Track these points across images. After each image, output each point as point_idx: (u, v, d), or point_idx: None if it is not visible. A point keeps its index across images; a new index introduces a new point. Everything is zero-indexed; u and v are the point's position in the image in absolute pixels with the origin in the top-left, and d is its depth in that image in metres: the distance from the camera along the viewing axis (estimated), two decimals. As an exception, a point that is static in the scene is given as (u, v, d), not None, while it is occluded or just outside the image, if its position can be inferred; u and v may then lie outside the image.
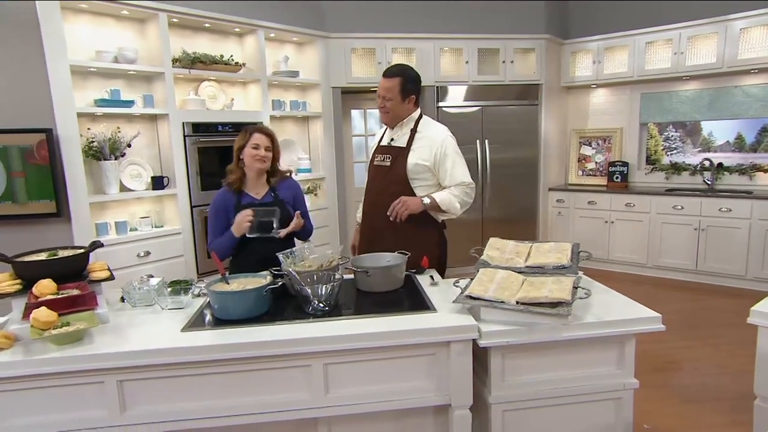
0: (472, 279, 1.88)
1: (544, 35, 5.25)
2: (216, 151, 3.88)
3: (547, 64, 5.33)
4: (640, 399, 2.35)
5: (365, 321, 1.73)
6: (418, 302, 1.90)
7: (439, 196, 2.34)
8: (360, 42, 4.84)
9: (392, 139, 2.47)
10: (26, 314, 1.63)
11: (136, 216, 3.60)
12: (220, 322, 1.76)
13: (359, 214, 2.70)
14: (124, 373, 1.56)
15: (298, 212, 2.34)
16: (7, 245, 2.10)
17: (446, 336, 1.66)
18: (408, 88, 2.37)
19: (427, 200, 2.32)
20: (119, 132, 3.40)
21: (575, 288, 1.74)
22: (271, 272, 1.95)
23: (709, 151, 5.46)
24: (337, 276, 1.90)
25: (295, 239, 2.45)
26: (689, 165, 5.34)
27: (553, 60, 5.49)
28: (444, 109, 5.16)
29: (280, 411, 1.64)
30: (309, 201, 4.28)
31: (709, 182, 5.13)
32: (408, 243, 2.21)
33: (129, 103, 3.46)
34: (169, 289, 1.99)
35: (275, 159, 2.36)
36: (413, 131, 2.41)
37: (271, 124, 4.33)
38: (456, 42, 5.07)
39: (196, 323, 1.76)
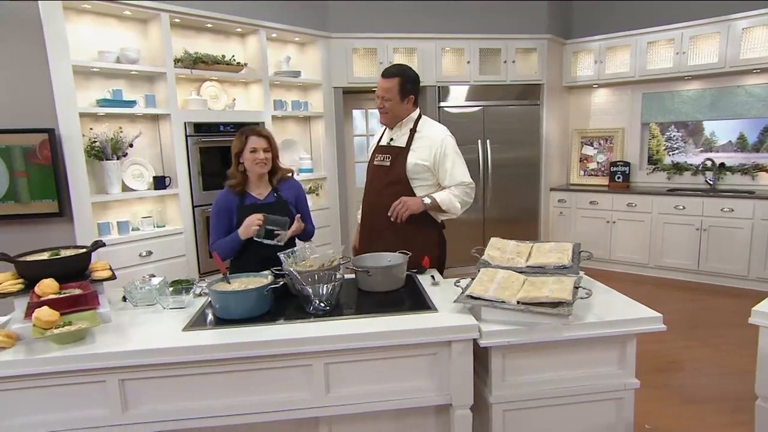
0: (472, 279, 1.88)
1: (545, 35, 5.25)
2: (218, 151, 3.89)
3: (548, 64, 5.32)
4: (642, 399, 2.35)
5: (366, 321, 1.73)
6: (419, 302, 1.90)
7: (440, 196, 2.34)
8: (361, 42, 4.84)
9: (391, 139, 2.47)
10: (28, 313, 1.64)
11: (138, 216, 3.61)
12: (221, 321, 1.77)
13: (360, 215, 2.70)
14: (126, 372, 1.57)
15: (298, 216, 2.34)
16: (9, 245, 2.11)
17: (447, 336, 1.66)
18: (407, 88, 2.37)
19: (427, 200, 2.32)
20: (121, 132, 3.41)
21: (576, 288, 1.74)
22: (272, 272, 1.96)
23: (711, 151, 5.45)
24: (338, 276, 1.90)
25: (297, 239, 2.45)
26: (691, 165, 5.33)
27: (555, 60, 5.49)
28: (445, 109, 5.16)
29: (281, 410, 1.64)
30: (311, 201, 4.28)
31: (711, 182, 5.12)
32: (407, 243, 2.21)
33: (131, 103, 3.47)
34: (171, 289, 1.99)
35: (274, 158, 2.36)
36: (412, 131, 2.41)
37: (273, 124, 4.34)
38: (457, 42, 5.07)
39: (197, 323, 1.77)
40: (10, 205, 3.00)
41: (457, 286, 1.90)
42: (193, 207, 3.79)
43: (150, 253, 3.50)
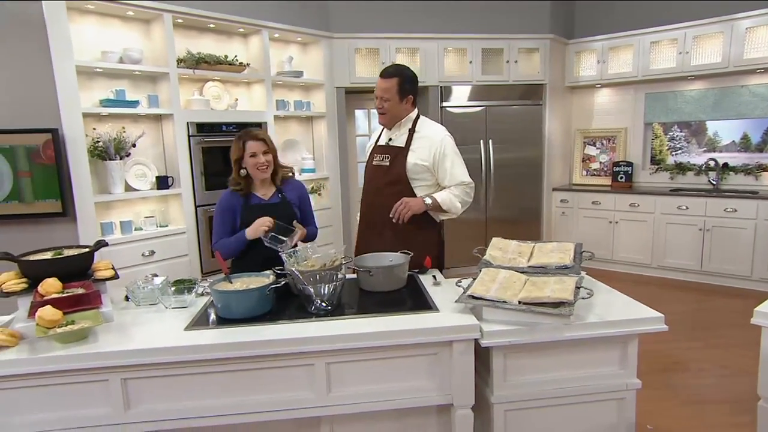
0: (474, 279, 1.88)
1: (548, 35, 5.24)
2: (220, 151, 3.89)
3: (551, 64, 5.32)
4: (644, 399, 2.34)
5: (368, 320, 1.74)
6: (421, 302, 1.90)
7: (440, 197, 2.34)
8: (364, 42, 4.85)
9: (390, 139, 2.46)
10: (32, 313, 1.65)
11: (141, 215, 3.62)
12: (223, 321, 1.77)
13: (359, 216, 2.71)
14: (128, 371, 1.57)
15: (303, 231, 2.31)
16: (13, 244, 2.12)
17: (448, 336, 1.66)
18: (405, 89, 2.37)
19: (428, 200, 2.32)
20: (124, 132, 3.42)
21: (578, 288, 1.73)
22: (274, 271, 1.96)
23: (714, 151, 5.44)
24: (340, 275, 1.90)
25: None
26: (694, 165, 5.31)
27: (558, 60, 5.48)
28: (448, 109, 5.16)
29: (283, 410, 1.65)
30: (313, 201, 4.28)
31: (714, 182, 5.10)
32: (407, 243, 2.21)
33: (134, 104, 3.48)
34: (173, 288, 2.00)
35: (274, 158, 2.36)
36: (411, 131, 2.41)
37: (275, 124, 4.35)
38: (460, 42, 5.06)
39: (199, 322, 1.77)
40: (14, 205, 3.01)
41: (459, 286, 1.91)
42: (196, 207, 3.80)
43: (152, 252, 3.51)
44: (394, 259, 2.13)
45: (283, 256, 1.98)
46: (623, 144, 5.69)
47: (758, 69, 4.59)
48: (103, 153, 3.33)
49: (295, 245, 2.14)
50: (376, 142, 2.56)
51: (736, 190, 4.90)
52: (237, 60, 4.07)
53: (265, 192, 2.39)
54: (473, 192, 2.44)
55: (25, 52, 2.98)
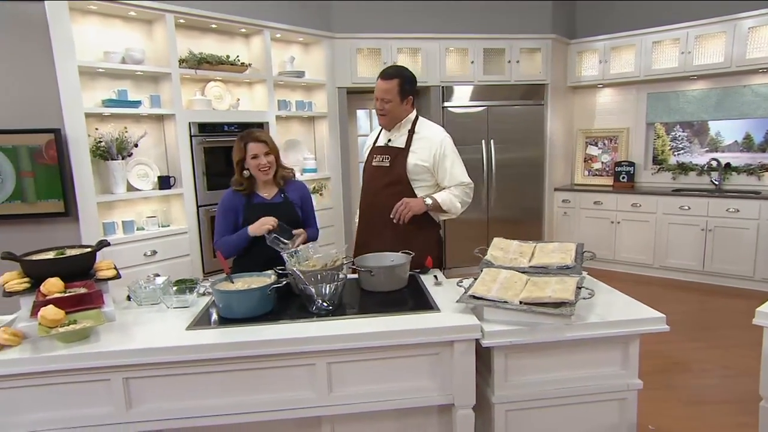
0: (475, 279, 1.88)
1: (550, 35, 5.24)
2: (222, 151, 3.90)
3: (553, 64, 5.31)
4: (646, 400, 2.34)
5: (369, 320, 1.74)
6: (422, 302, 1.90)
7: (441, 197, 2.35)
8: (365, 42, 4.85)
9: (389, 140, 2.46)
10: (34, 312, 1.66)
11: (143, 215, 3.63)
12: (224, 320, 1.78)
13: (357, 217, 2.71)
14: (130, 370, 1.58)
15: (302, 231, 2.31)
16: (16, 244, 2.12)
17: (449, 336, 1.66)
18: (406, 89, 2.37)
19: (429, 201, 2.33)
20: (126, 132, 3.43)
21: (579, 288, 1.73)
22: (275, 271, 1.96)
23: (716, 151, 5.43)
24: (341, 275, 1.91)
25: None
26: (696, 165, 5.30)
27: (559, 60, 5.47)
28: (449, 109, 5.16)
29: (284, 410, 1.65)
30: (314, 201, 4.28)
31: (716, 182, 5.09)
32: (406, 243, 2.22)
33: (136, 104, 3.49)
34: (175, 288, 2.00)
35: (276, 159, 2.37)
36: (411, 132, 2.41)
37: (277, 124, 4.35)
38: (461, 42, 5.06)
39: (200, 322, 1.78)
40: (17, 205, 3.02)
41: (460, 286, 1.91)
42: (198, 207, 3.81)
43: (154, 252, 3.52)
44: (396, 259, 2.13)
45: (285, 256, 1.98)
46: (625, 144, 5.68)
47: (761, 69, 4.58)
48: (105, 153, 3.34)
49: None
50: (374, 142, 2.55)
51: (739, 190, 4.89)
52: (239, 60, 4.07)
53: (267, 192, 2.39)
54: (472, 192, 2.45)
55: (28, 52, 2.99)
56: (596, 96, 5.85)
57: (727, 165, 5.09)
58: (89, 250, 1.92)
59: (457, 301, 1.77)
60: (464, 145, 5.12)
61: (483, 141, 5.24)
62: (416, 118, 2.46)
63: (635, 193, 5.25)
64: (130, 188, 3.54)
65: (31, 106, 3.02)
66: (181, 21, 3.69)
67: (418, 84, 5.28)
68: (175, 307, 1.93)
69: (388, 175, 2.40)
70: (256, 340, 1.61)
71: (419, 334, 1.65)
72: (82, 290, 1.77)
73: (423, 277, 2.21)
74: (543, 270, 1.94)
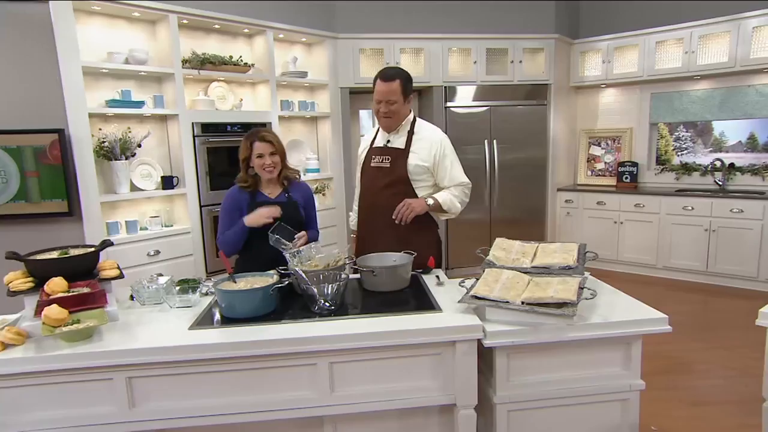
0: (477, 279, 1.88)
1: (553, 35, 5.23)
2: (225, 151, 3.91)
3: (556, 64, 5.30)
4: (649, 401, 2.33)
5: (371, 320, 1.74)
6: (424, 302, 1.90)
7: (441, 197, 2.36)
8: (368, 42, 4.85)
9: (388, 141, 2.46)
10: (38, 311, 1.67)
11: (146, 215, 3.64)
12: (227, 320, 1.78)
13: (353, 221, 2.71)
14: (133, 370, 1.58)
15: (303, 233, 2.30)
16: (20, 243, 2.13)
17: (451, 336, 1.66)
18: (407, 88, 2.38)
19: (430, 201, 2.35)
20: (130, 132, 3.44)
21: (581, 288, 1.73)
22: (278, 271, 1.97)
23: (720, 152, 5.41)
24: (344, 275, 1.91)
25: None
26: (700, 165, 5.28)
27: (562, 60, 5.46)
28: (452, 109, 5.16)
29: (286, 409, 1.65)
30: (317, 201, 4.29)
31: (720, 183, 5.07)
32: (406, 243, 2.22)
33: (139, 104, 3.51)
34: (178, 288, 2.01)
35: (282, 159, 2.37)
36: (410, 133, 2.41)
37: (280, 124, 4.36)
38: (464, 42, 5.06)
39: (203, 321, 1.78)
40: (21, 205, 3.04)
41: (462, 286, 1.91)
42: (201, 207, 3.82)
43: (158, 252, 3.53)
44: (398, 259, 2.13)
45: (287, 256, 1.99)
46: (628, 144, 5.67)
47: (765, 68, 4.56)
48: (108, 153, 3.35)
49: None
50: (371, 144, 2.54)
51: (743, 190, 4.87)
52: (242, 60, 4.08)
53: (271, 191, 2.40)
54: (470, 192, 2.47)
55: (32, 52, 3.01)
56: (599, 96, 5.84)
57: (731, 165, 5.07)
58: (93, 249, 1.93)
59: (459, 302, 1.77)
60: (467, 146, 5.17)
61: (486, 141, 5.23)
62: (414, 119, 2.46)
63: (638, 194, 5.24)
64: (134, 188, 3.56)
65: (36, 106, 3.03)
66: (185, 21, 3.70)
67: (421, 84, 5.32)
68: (177, 307, 1.94)
69: (388, 176, 2.40)
70: (258, 339, 1.61)
71: (421, 335, 1.65)
72: (86, 290, 1.77)
73: (425, 277, 2.22)
74: (545, 270, 1.94)
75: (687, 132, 5.61)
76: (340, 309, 1.84)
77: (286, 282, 1.87)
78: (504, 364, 1.70)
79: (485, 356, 1.74)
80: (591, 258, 2.06)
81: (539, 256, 2.05)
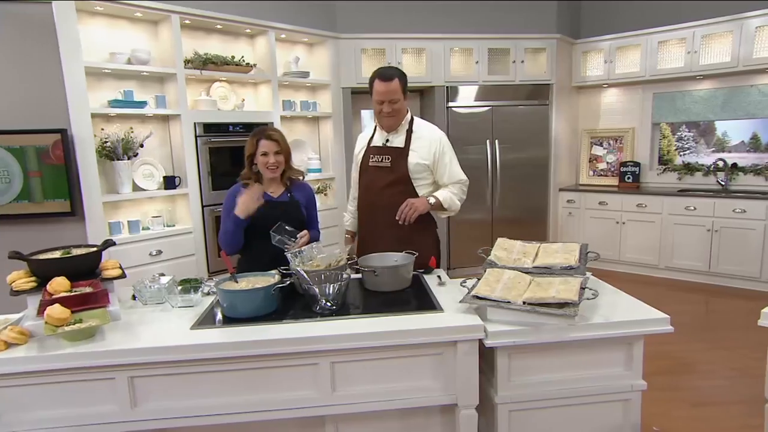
0: (479, 279, 1.88)
1: (555, 35, 5.22)
2: (227, 151, 3.92)
3: (558, 64, 5.30)
4: (651, 401, 2.33)
5: (372, 320, 1.74)
6: (425, 302, 1.90)
7: (442, 195, 2.38)
8: (370, 42, 4.85)
9: (387, 140, 2.47)
10: (41, 311, 1.67)
11: (149, 215, 3.65)
12: (228, 320, 1.78)
13: (348, 222, 2.71)
14: (135, 369, 1.59)
15: (305, 232, 2.31)
16: (23, 243, 2.14)
17: (453, 336, 1.66)
18: (405, 86, 2.39)
19: (432, 200, 2.36)
20: (132, 132, 3.45)
21: (582, 289, 1.73)
22: (279, 271, 1.97)
23: (723, 151, 5.39)
24: (345, 275, 1.91)
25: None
26: (702, 165, 5.27)
27: (564, 60, 5.46)
28: (454, 109, 5.16)
29: (288, 409, 1.66)
30: (319, 201, 4.29)
31: (722, 183, 5.06)
32: (406, 243, 2.22)
33: (142, 104, 3.51)
34: (180, 288, 2.02)
35: (286, 159, 2.38)
36: (409, 132, 2.42)
37: (282, 124, 4.36)
38: (466, 42, 5.06)
39: (205, 321, 1.79)
40: (24, 205, 3.05)
41: (464, 286, 1.91)
42: (203, 207, 3.82)
43: (160, 252, 3.54)
44: (399, 259, 2.13)
45: (289, 256, 1.99)
46: (630, 144, 5.66)
47: (768, 68, 4.55)
48: (111, 153, 3.36)
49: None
50: (368, 143, 2.54)
51: (745, 190, 4.86)
52: (244, 61, 4.09)
53: (274, 190, 2.40)
54: (467, 188, 2.51)
55: (35, 53, 3.02)
56: (601, 96, 5.83)
57: (734, 165, 5.05)
58: (95, 249, 1.94)
59: (460, 302, 1.77)
60: (469, 146, 5.17)
61: (488, 141, 5.23)
62: (411, 117, 2.48)
63: (640, 194, 5.23)
64: (136, 188, 3.56)
65: (38, 106, 3.04)
66: (187, 22, 3.71)
67: (423, 84, 5.32)
68: (179, 307, 1.94)
69: (390, 175, 2.41)
70: (260, 339, 1.62)
71: (423, 334, 1.65)
72: (88, 289, 1.78)
73: (426, 277, 2.22)
74: (547, 270, 1.94)
75: (689, 132, 5.60)
76: (341, 309, 1.84)
77: (288, 282, 1.87)
78: (505, 364, 1.70)
79: (487, 356, 1.74)
80: (593, 258, 2.06)
81: (541, 256, 2.05)
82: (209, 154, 3.83)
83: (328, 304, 1.80)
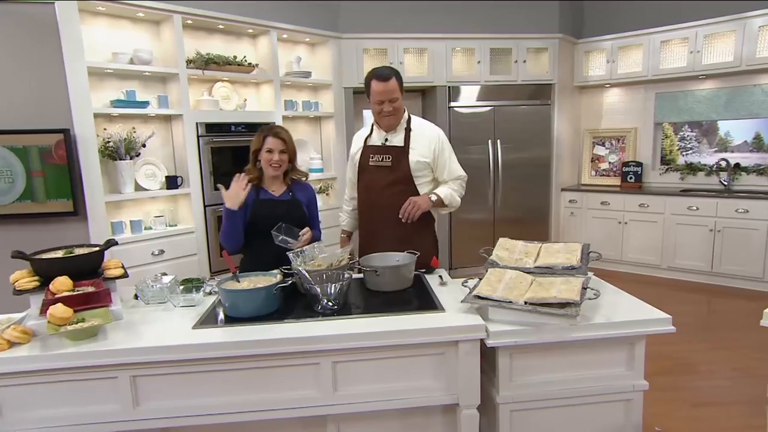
0: (480, 279, 1.88)
1: (557, 34, 5.22)
2: (229, 151, 3.92)
3: (560, 64, 5.29)
4: (652, 401, 2.32)
5: (374, 320, 1.74)
6: (427, 302, 1.90)
7: (443, 192, 2.40)
8: (372, 42, 4.86)
9: (386, 139, 2.46)
10: (43, 310, 1.68)
11: (151, 215, 3.66)
12: (230, 319, 1.79)
13: (345, 222, 2.71)
14: (137, 368, 1.59)
15: (307, 229, 2.31)
16: (25, 243, 2.15)
17: (454, 336, 1.66)
18: (402, 85, 2.39)
19: (434, 197, 2.37)
20: (134, 132, 3.45)
21: (584, 288, 1.73)
22: (281, 271, 1.97)
23: (725, 151, 5.38)
24: (347, 275, 1.91)
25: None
26: (705, 165, 5.26)
27: (566, 59, 5.45)
28: (456, 109, 5.15)
29: (290, 408, 1.66)
30: (320, 200, 4.30)
31: (725, 183, 5.05)
32: (407, 242, 2.23)
33: (144, 104, 3.52)
34: (182, 287, 2.02)
35: (290, 159, 2.38)
36: (408, 130, 2.43)
37: (284, 124, 4.36)
38: (468, 42, 5.05)
39: (207, 321, 1.79)
40: (27, 204, 3.05)
41: (465, 286, 1.90)
42: (205, 206, 3.83)
43: (162, 251, 3.55)
44: (401, 258, 2.14)
45: (290, 256, 1.99)
46: (633, 144, 5.64)
47: (771, 68, 4.54)
48: (113, 153, 3.37)
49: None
50: (365, 143, 2.53)
51: (748, 190, 4.84)
52: (246, 61, 4.09)
53: (275, 189, 2.40)
54: (466, 184, 2.54)
55: (38, 53, 3.02)
56: (603, 96, 5.82)
57: (737, 165, 5.04)
58: (97, 249, 1.94)
59: (462, 301, 1.77)
60: (471, 145, 5.17)
61: (489, 141, 5.23)
62: (409, 116, 2.48)
63: (643, 194, 5.22)
64: (138, 188, 3.57)
65: (41, 106, 3.05)
66: (189, 22, 3.72)
67: (425, 84, 5.31)
68: (181, 306, 1.95)
69: (391, 174, 2.41)
70: (262, 339, 1.62)
71: (424, 334, 1.65)
72: (91, 289, 1.79)
73: (428, 277, 2.22)
74: (548, 270, 1.94)
75: (692, 132, 5.59)
76: (343, 309, 1.84)
77: (290, 281, 1.87)
78: (507, 364, 1.70)
79: (488, 356, 1.74)
80: (594, 258, 2.06)
81: (542, 256, 2.05)
82: (211, 154, 3.84)
83: (330, 303, 1.81)
